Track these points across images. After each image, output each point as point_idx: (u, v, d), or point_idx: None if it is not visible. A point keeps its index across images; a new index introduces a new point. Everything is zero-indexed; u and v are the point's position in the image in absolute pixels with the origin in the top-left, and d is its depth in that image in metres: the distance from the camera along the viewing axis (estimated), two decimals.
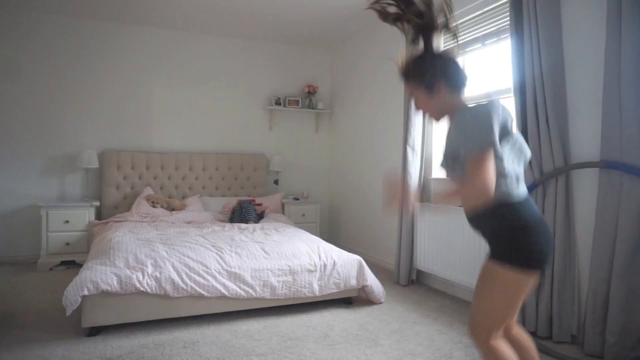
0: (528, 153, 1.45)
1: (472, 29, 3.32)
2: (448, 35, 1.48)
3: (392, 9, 1.47)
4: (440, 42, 1.49)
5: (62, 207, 4.11)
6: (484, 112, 1.31)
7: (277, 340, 2.46)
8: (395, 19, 1.47)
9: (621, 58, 2.13)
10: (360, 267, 3.05)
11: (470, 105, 1.38)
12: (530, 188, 2.54)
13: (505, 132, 1.36)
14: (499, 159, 1.33)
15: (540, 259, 1.35)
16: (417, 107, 1.53)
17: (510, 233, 1.35)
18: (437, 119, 1.49)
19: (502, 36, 3.04)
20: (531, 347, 1.54)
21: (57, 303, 2.95)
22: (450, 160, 1.42)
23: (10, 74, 4.30)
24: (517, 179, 1.39)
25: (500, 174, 1.34)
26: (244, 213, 4.30)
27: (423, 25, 1.44)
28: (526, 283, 1.36)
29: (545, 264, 1.37)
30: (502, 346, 1.41)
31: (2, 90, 4.28)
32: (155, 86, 4.82)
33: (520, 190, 1.39)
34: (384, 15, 1.49)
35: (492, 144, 1.28)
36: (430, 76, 1.43)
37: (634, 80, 2.11)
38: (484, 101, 1.42)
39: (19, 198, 4.33)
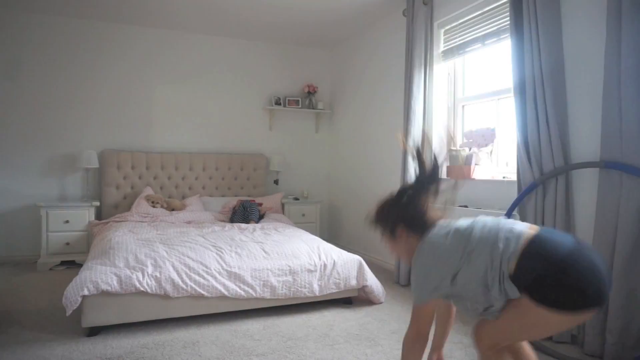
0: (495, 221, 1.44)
1: (472, 29, 3.32)
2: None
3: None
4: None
5: (62, 207, 4.11)
6: (427, 260, 1.44)
7: (277, 340, 2.46)
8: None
9: (621, 58, 2.13)
10: (360, 267, 3.05)
11: (422, 247, 1.47)
12: (531, 188, 2.54)
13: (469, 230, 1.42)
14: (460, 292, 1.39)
15: (592, 296, 1.20)
16: (390, 251, 1.66)
17: (548, 276, 1.23)
18: (407, 260, 1.58)
19: (502, 36, 3.04)
20: (532, 356, 1.50)
21: (57, 303, 2.95)
22: None
23: (10, 73, 4.30)
24: (511, 231, 1.34)
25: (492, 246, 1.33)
26: (247, 213, 4.30)
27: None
28: (573, 321, 1.24)
29: (602, 299, 1.22)
30: (502, 356, 1.35)
31: (2, 90, 4.28)
32: (155, 86, 4.82)
33: (523, 234, 1.32)
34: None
35: (430, 297, 1.42)
36: (391, 224, 1.57)
37: (634, 80, 2.10)
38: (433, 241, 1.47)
39: (19, 198, 4.33)
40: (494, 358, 1.34)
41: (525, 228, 1.35)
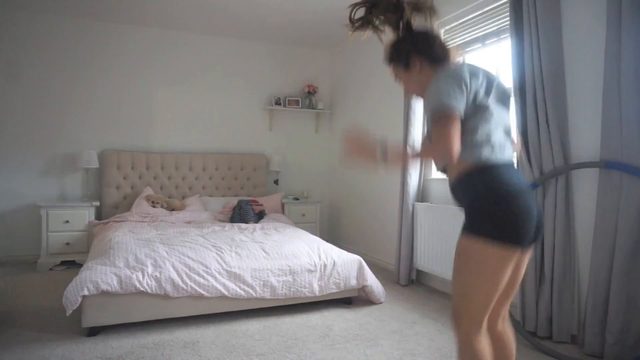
0: (507, 122, 1.40)
1: (472, 29, 3.32)
2: (426, 16, 1.49)
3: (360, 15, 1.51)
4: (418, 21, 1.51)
5: (62, 207, 4.11)
6: (452, 75, 1.32)
7: (277, 340, 2.46)
8: (364, 23, 1.50)
9: (621, 58, 2.13)
10: (360, 267, 3.05)
11: (440, 74, 1.35)
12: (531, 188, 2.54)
13: (488, 94, 1.36)
14: (475, 122, 1.32)
15: (517, 232, 1.24)
16: (404, 89, 1.55)
17: (485, 201, 1.27)
18: (421, 94, 1.49)
19: (502, 36, 3.04)
20: (512, 349, 1.45)
21: (57, 303, 2.96)
22: (427, 124, 1.40)
23: (10, 73, 4.30)
24: (500, 146, 1.34)
25: (479, 139, 1.31)
26: (242, 213, 4.31)
27: (394, 11, 1.47)
28: (505, 259, 1.25)
29: (524, 239, 1.26)
30: (481, 346, 1.30)
31: (2, 90, 4.28)
32: (155, 86, 4.82)
33: (504, 156, 1.34)
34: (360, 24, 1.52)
35: (455, 108, 1.27)
36: (405, 53, 1.46)
37: (634, 80, 2.11)
38: (458, 65, 1.40)
39: (19, 198, 4.33)
40: (471, 347, 1.29)
41: (510, 152, 1.38)
